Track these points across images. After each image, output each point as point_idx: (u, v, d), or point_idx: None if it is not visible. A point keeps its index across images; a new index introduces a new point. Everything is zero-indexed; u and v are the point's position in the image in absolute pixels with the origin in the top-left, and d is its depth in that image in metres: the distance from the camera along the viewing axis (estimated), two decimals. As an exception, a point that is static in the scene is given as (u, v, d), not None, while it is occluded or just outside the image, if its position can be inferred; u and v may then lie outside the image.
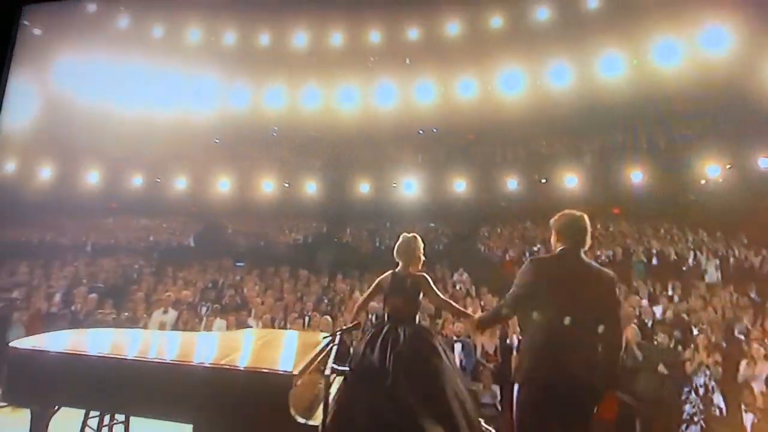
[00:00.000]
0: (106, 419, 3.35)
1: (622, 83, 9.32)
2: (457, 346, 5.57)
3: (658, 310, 6.87)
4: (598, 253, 9.14)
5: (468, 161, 9.81)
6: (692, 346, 5.56)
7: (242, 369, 2.59)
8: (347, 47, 11.07)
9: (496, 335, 5.77)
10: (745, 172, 8.63)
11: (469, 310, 3.98)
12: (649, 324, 6.31)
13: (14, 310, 7.05)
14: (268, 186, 10.71)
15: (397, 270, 3.17)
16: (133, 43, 11.31)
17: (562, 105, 9.56)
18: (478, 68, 10.30)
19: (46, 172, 10.61)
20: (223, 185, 10.75)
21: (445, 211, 9.50)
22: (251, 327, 6.63)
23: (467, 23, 10.58)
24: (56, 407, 2.84)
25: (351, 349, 3.29)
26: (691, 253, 8.37)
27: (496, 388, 5.28)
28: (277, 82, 11.18)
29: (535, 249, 9.41)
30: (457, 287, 8.09)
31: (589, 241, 2.65)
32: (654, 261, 8.72)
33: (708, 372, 5.16)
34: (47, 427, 2.81)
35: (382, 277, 3.19)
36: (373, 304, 3.69)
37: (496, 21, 10.43)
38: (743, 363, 5.22)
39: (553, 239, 2.77)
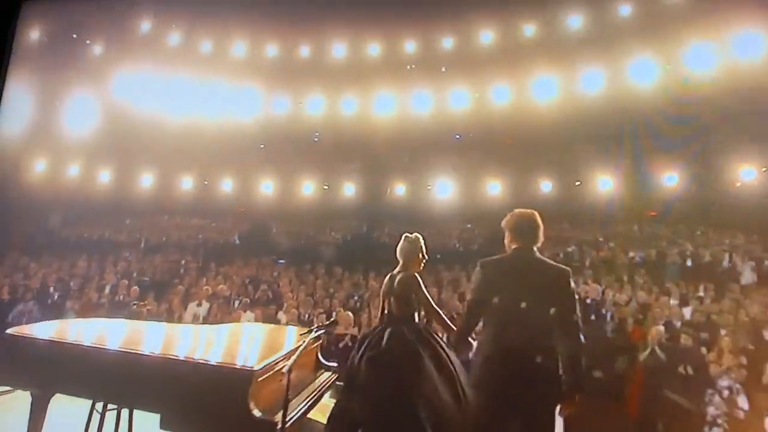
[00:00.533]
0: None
1: (655, 88, 9.44)
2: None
3: (687, 311, 6.92)
4: (632, 254, 9.23)
5: (503, 164, 10.06)
6: (717, 348, 5.54)
7: (202, 362, 2.58)
8: (384, 57, 11.56)
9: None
10: (782, 175, 8.62)
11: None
12: (678, 325, 6.31)
13: (69, 299, 7.63)
14: (308, 188, 11.24)
15: (394, 271, 3.11)
16: (184, 57, 12.14)
17: (595, 109, 9.74)
18: (512, 76, 10.57)
19: (105, 176, 11.42)
20: (267, 187, 11.33)
21: (481, 213, 9.75)
22: (280, 320, 6.94)
23: (500, 32, 10.91)
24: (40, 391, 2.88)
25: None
26: (726, 255, 8.35)
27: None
28: (318, 91, 11.70)
29: (570, 250, 9.59)
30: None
31: (541, 238, 2.62)
32: (688, 263, 8.74)
33: (733, 374, 5.09)
34: (45, 409, 2.88)
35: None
36: None
37: (529, 29, 10.74)
38: (768, 366, 5.13)
39: (506, 240, 2.74)
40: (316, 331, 2.87)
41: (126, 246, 10.36)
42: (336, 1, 10.55)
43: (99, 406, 3.05)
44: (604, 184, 9.50)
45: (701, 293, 7.64)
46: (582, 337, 2.45)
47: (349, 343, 5.94)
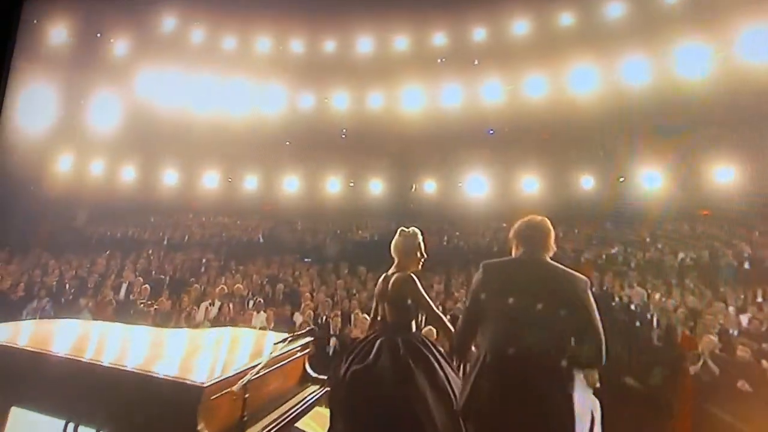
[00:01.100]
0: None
1: (709, 78, 8.79)
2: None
3: (744, 318, 6.22)
4: (682, 255, 8.61)
5: (540, 160, 9.55)
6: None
7: (149, 375, 2.22)
8: (412, 51, 11.19)
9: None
10: None
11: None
12: (735, 334, 5.70)
13: (83, 296, 7.44)
14: (333, 185, 10.93)
15: (389, 271, 2.63)
16: (207, 54, 12.01)
17: (640, 101, 9.14)
18: (548, 67, 10.08)
19: (130, 173, 11.33)
20: (292, 185, 11.08)
21: (517, 211, 9.26)
22: (295, 322, 6.54)
23: (535, 21, 10.43)
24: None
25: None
26: (790, 258, 7.74)
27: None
28: (344, 86, 11.44)
29: (613, 252, 8.99)
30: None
31: (552, 247, 2.34)
32: (746, 265, 8.09)
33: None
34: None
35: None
36: None
37: (566, 18, 10.22)
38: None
39: (513, 247, 2.48)
40: (290, 341, 2.56)
41: (149, 244, 10.22)
42: (361, -7, 10.27)
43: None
44: (652, 180, 8.87)
45: (760, 299, 6.98)
46: (604, 355, 2.16)
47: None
